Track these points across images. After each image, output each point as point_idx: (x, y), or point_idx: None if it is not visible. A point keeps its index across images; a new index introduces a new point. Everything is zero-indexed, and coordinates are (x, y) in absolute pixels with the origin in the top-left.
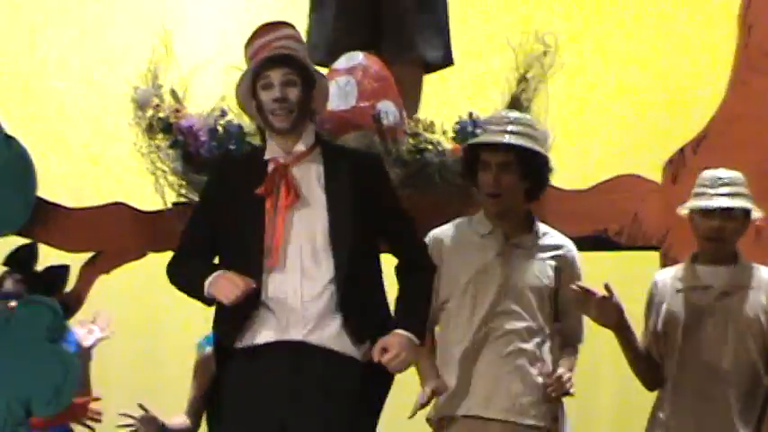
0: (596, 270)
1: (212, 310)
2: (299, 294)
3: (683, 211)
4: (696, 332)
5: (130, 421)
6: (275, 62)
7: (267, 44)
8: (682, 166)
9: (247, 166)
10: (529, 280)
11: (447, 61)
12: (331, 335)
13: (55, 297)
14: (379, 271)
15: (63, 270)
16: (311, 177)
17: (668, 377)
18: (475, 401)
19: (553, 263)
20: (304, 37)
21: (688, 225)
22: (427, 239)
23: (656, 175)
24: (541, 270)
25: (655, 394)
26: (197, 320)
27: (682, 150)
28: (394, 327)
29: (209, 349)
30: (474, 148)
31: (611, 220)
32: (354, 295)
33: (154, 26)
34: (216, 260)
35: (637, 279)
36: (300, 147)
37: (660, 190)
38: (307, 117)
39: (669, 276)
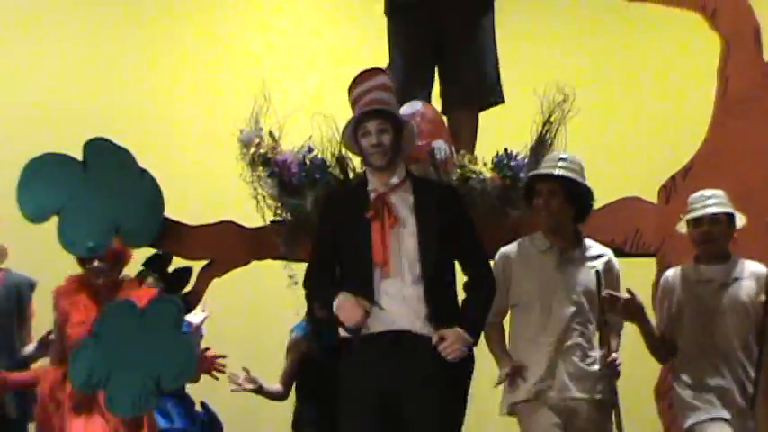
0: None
1: (301, 303)
2: (402, 295)
3: (682, 227)
4: (704, 316)
5: (239, 380)
6: (371, 115)
7: (365, 93)
8: (673, 190)
9: (354, 195)
10: (581, 290)
11: (501, 99)
12: (422, 324)
13: (179, 295)
14: (455, 275)
15: (188, 272)
16: (405, 205)
17: (682, 351)
18: (557, 386)
19: (600, 268)
20: None
21: (679, 237)
22: (497, 255)
23: (653, 197)
24: (586, 279)
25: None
26: (289, 314)
27: (673, 178)
28: (459, 324)
29: (296, 334)
30: (531, 182)
31: (618, 232)
32: (436, 296)
33: (256, 81)
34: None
35: (637, 280)
36: (395, 180)
37: (656, 209)
38: (398, 156)
39: (678, 274)
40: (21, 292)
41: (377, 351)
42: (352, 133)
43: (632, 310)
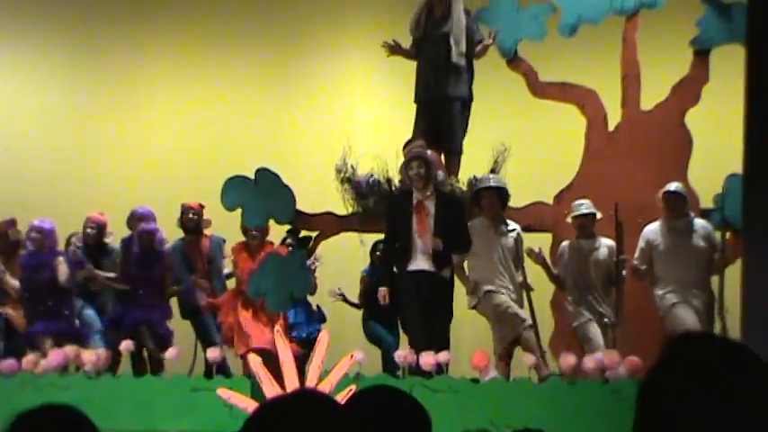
0: (530, 240)
1: (366, 255)
2: (427, 252)
3: (569, 220)
4: (578, 269)
5: (336, 294)
6: (414, 158)
7: (410, 149)
8: (562, 198)
9: (405, 200)
10: (506, 247)
11: (460, 153)
12: (431, 266)
13: (304, 249)
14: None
15: (309, 238)
16: (431, 206)
17: (568, 287)
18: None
19: (514, 236)
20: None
21: (563, 223)
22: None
23: (551, 201)
24: (508, 241)
25: None
26: (360, 261)
27: (561, 192)
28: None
29: (363, 273)
30: (478, 191)
31: (532, 219)
32: (441, 255)
33: (344, 136)
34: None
35: (542, 243)
36: (427, 193)
37: (552, 208)
38: (430, 180)
39: (566, 245)
40: (220, 247)
41: (414, 278)
42: (405, 168)
43: (540, 260)
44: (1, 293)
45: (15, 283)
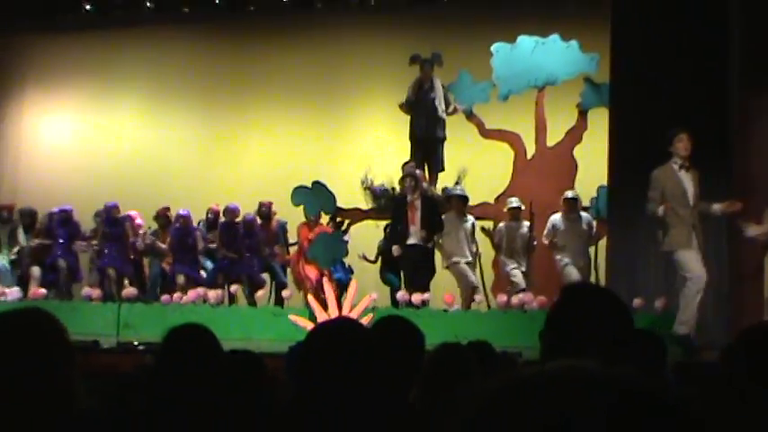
0: (481, 223)
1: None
2: (417, 232)
3: (505, 209)
4: (508, 240)
5: (361, 255)
6: (407, 176)
7: (407, 167)
8: (499, 200)
9: (403, 199)
10: (466, 230)
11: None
12: (420, 241)
13: (341, 231)
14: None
15: (342, 222)
16: (419, 204)
17: (503, 252)
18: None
19: (470, 223)
20: None
21: (502, 213)
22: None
23: (493, 201)
24: (467, 227)
25: None
26: (378, 235)
27: (499, 196)
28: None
29: (379, 242)
30: (449, 196)
31: (482, 213)
32: (426, 235)
33: (366, 162)
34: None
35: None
36: (415, 196)
37: (493, 206)
38: (418, 189)
39: (503, 225)
40: (283, 227)
41: (409, 248)
42: (401, 181)
43: (488, 235)
44: (158, 254)
45: (163, 246)
